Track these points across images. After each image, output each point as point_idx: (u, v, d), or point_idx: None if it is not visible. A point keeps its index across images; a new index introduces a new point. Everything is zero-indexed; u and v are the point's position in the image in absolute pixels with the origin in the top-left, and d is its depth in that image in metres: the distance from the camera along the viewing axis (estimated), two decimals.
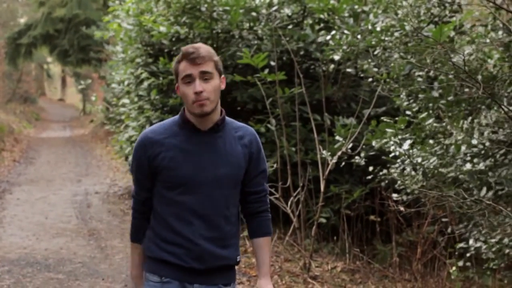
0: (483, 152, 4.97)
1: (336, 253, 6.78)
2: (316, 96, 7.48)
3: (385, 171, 5.57)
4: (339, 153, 6.23)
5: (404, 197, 5.34)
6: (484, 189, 4.73)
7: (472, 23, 6.18)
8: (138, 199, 2.70)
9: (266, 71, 6.93)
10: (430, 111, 5.47)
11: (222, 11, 7.74)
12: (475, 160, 4.91)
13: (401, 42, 5.56)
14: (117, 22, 9.17)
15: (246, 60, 6.80)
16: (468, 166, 4.87)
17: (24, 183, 11.83)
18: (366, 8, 7.10)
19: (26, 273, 6.15)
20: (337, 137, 6.40)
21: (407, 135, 5.51)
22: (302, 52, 7.76)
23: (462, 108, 5.30)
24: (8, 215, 8.94)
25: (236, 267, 2.74)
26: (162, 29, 7.88)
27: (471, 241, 4.97)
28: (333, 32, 7.02)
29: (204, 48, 2.55)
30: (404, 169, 5.42)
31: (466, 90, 5.09)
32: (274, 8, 7.68)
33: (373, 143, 5.76)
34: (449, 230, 5.56)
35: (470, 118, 5.14)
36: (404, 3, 5.52)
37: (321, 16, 7.65)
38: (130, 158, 3.85)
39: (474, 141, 4.93)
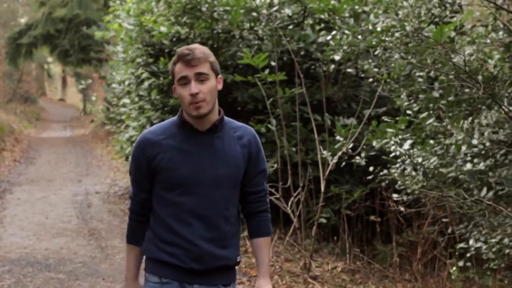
0: (483, 152, 4.97)
1: (337, 253, 6.78)
2: (317, 96, 7.48)
3: (385, 171, 5.56)
4: (340, 153, 6.23)
5: (405, 197, 5.34)
6: (485, 189, 4.73)
7: (473, 24, 6.18)
8: (136, 200, 2.69)
9: (267, 71, 6.93)
10: (431, 111, 5.47)
11: (223, 11, 7.74)
12: (476, 160, 4.91)
13: (401, 42, 5.56)
14: (117, 22, 9.17)
15: (247, 60, 6.80)
16: (469, 166, 4.87)
17: (24, 183, 11.83)
18: (366, 9, 7.10)
19: (27, 273, 6.15)
20: (338, 137, 6.40)
21: (407, 135, 5.52)
22: (302, 52, 7.77)
23: (463, 108, 5.30)
24: (8, 215, 8.94)
25: (236, 267, 2.73)
26: (163, 29, 7.88)
27: (471, 241, 4.97)
28: (334, 32, 7.01)
29: (199, 49, 2.54)
30: (404, 169, 5.42)
31: (467, 90, 5.09)
32: (274, 8, 7.68)
33: (374, 143, 5.76)
34: (449, 230, 5.56)
35: (470, 118, 5.14)
36: (405, 3, 5.52)
37: (322, 16, 7.65)
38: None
39: (475, 141, 4.93)
